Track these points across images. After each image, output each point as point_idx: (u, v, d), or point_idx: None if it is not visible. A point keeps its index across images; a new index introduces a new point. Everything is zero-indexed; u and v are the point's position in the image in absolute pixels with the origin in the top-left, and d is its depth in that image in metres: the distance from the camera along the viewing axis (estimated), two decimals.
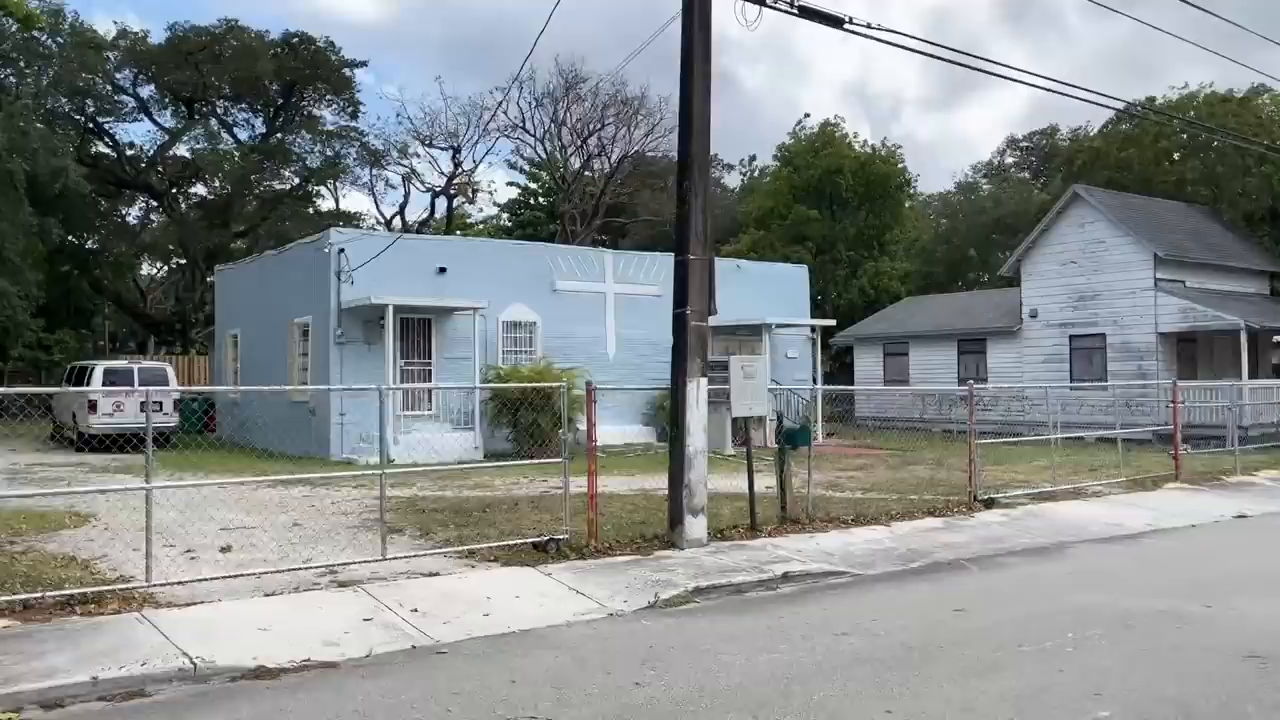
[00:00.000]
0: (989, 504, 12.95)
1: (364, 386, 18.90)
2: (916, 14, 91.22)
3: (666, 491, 10.01)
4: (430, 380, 21.42)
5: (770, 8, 10.23)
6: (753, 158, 56.30)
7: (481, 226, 59.78)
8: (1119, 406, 23.50)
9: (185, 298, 39.35)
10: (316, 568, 8.41)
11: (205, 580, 7.72)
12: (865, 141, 44.94)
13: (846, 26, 10.98)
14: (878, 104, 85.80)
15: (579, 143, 45.59)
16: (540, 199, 56.70)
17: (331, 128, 44.51)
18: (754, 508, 10.69)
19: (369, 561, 8.46)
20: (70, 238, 37.29)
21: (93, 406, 21.89)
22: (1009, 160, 51.36)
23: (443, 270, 21.90)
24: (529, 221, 56.77)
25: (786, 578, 8.69)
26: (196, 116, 40.29)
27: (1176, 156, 34.65)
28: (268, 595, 7.58)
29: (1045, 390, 21.20)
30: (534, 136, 45.10)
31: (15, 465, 18.21)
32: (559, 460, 10.09)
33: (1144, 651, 6.42)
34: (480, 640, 6.77)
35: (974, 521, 12.09)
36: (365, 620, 7.09)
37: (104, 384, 22.10)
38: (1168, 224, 28.21)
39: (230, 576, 7.82)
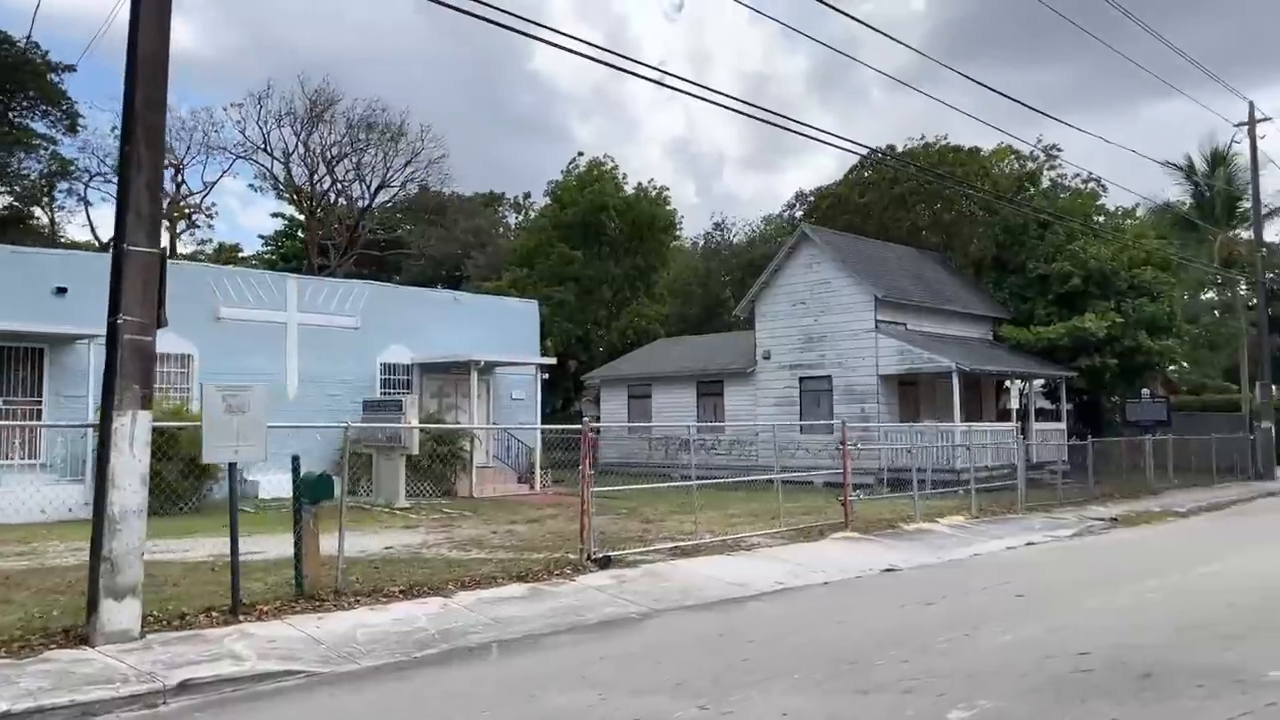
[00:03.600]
0: (605, 563, 11.08)
1: None
2: (739, 76, 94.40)
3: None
4: (41, 423, 17.86)
5: None
6: (527, 195, 54.71)
7: (256, 261, 55.14)
8: (833, 449, 22.75)
9: None
10: None
11: None
12: (640, 183, 44.13)
13: None
14: (702, 162, 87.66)
15: (328, 168, 42.44)
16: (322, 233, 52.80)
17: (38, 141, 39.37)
18: (236, 583, 8.25)
19: None
20: None
21: None
22: (799, 213, 51.81)
23: (62, 291, 18.47)
24: (293, 254, 52.84)
25: (185, 688, 6.29)
26: None
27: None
28: None
29: (689, 431, 20.20)
30: (273, 158, 41.50)
31: None
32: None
33: None
34: None
35: (569, 587, 10.14)
36: None
37: None
38: (892, 267, 28.23)
39: None
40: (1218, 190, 35.52)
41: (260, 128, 40.21)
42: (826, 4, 13.32)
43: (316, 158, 41.27)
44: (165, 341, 19.87)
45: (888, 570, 12.07)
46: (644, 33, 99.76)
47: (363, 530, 15.12)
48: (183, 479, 17.11)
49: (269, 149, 40.77)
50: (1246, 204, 34.36)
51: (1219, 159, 34.18)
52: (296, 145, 40.96)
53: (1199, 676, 6.53)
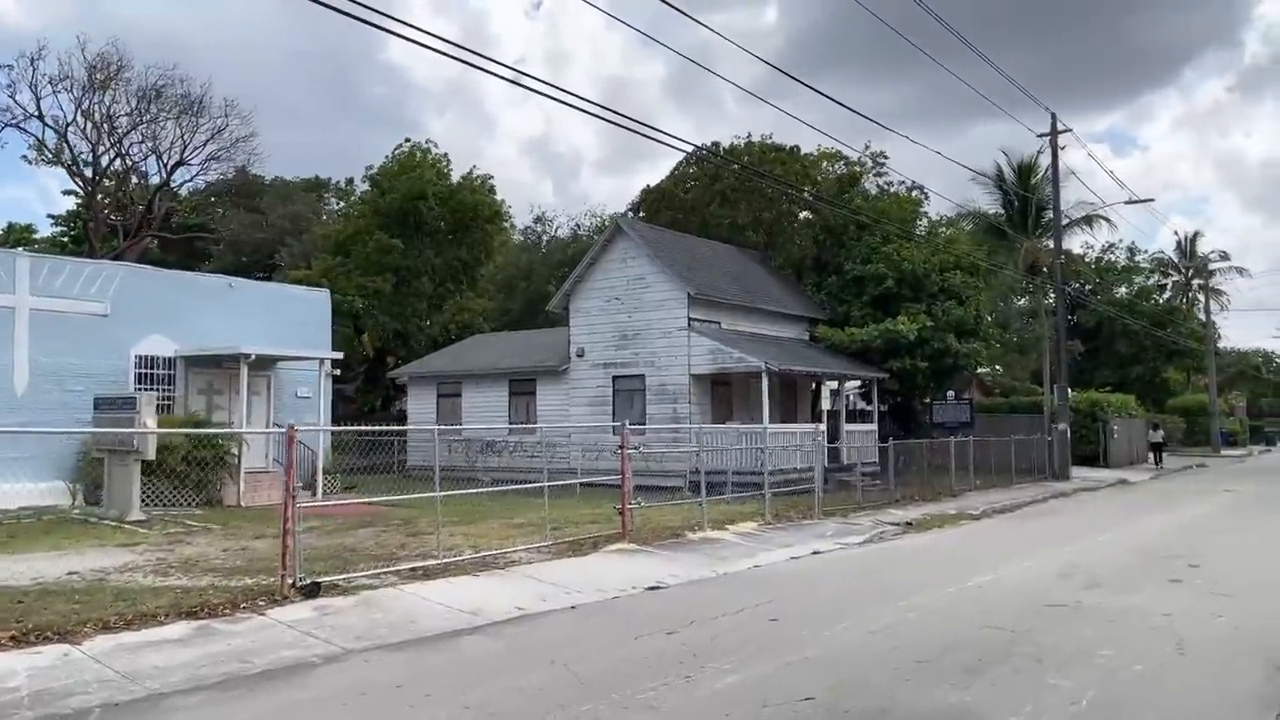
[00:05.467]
0: (312, 591, 9.44)
1: None
2: (598, 79, 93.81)
3: None
4: None
5: None
6: (350, 180, 51.64)
7: (46, 244, 49.93)
8: (641, 452, 21.70)
9: None
10: None
11: None
12: (470, 171, 42.16)
13: None
14: (560, 162, 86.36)
15: (114, 141, 38.48)
16: (110, 213, 48.03)
17: None
18: None
19: None
20: None
21: None
22: (643, 214, 50.86)
23: None
24: (87, 236, 48.05)
25: None
26: None
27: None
28: None
29: (433, 433, 18.90)
30: (45, 125, 37.26)
31: None
32: None
33: None
34: None
35: (252, 624, 8.47)
36: None
37: None
38: (709, 264, 27.54)
39: None
40: (1032, 201, 36.71)
41: (33, 92, 35.98)
42: (681, 11, 12.49)
43: (100, 129, 37.26)
44: None
45: (653, 588, 10.94)
46: (503, 30, 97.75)
47: (65, 550, 12.90)
48: None
49: (41, 116, 36.54)
50: (1051, 214, 35.63)
51: (1025, 170, 35.27)
52: (75, 114, 36.89)
53: None
